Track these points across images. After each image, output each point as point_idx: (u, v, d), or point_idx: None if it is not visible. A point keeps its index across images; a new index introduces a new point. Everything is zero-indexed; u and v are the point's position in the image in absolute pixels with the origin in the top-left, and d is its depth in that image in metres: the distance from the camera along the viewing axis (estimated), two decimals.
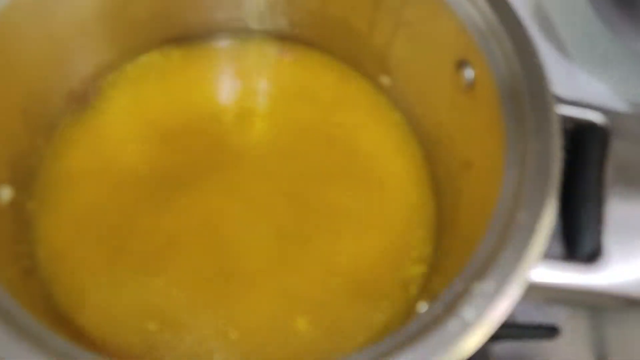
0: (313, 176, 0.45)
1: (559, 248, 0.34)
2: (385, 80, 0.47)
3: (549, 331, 0.41)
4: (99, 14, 0.42)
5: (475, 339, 0.28)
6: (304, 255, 0.42)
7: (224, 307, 0.39)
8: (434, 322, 0.28)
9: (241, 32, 0.49)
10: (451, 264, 0.36)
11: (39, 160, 0.43)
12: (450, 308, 0.28)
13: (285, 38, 0.49)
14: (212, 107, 0.47)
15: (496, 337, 0.40)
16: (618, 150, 0.36)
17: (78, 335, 0.39)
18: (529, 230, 0.30)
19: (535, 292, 0.32)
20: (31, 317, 0.28)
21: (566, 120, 0.36)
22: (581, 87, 0.47)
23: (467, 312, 0.28)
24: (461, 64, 0.39)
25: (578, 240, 0.34)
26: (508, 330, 0.40)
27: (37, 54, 0.40)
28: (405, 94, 0.46)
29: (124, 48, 0.46)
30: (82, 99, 0.46)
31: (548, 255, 0.31)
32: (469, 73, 0.38)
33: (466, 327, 0.28)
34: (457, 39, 0.38)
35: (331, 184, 0.44)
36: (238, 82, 0.48)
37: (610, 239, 0.32)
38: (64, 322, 0.39)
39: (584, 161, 0.35)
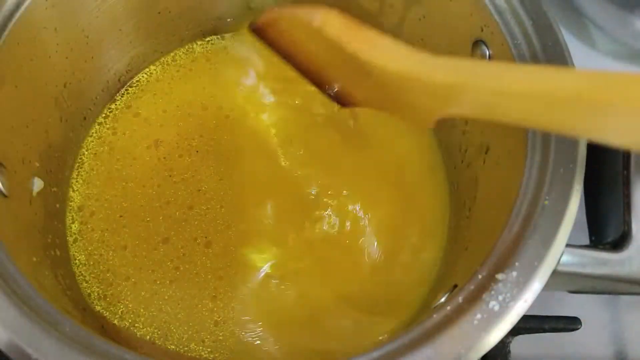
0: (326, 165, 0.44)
1: (583, 235, 0.33)
2: None
3: (571, 322, 0.39)
4: (130, 9, 0.43)
5: (501, 330, 0.26)
6: None
7: None
8: (457, 313, 0.27)
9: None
10: (471, 254, 0.35)
11: (70, 153, 0.43)
12: (474, 298, 0.27)
13: None
14: (231, 100, 0.46)
15: (518, 330, 0.39)
16: None
17: (100, 325, 0.39)
18: (555, 217, 0.28)
19: (560, 281, 0.30)
20: (48, 303, 0.28)
21: None
22: (607, 67, 0.46)
23: (492, 302, 0.27)
24: (477, 44, 0.37)
25: (603, 227, 0.32)
26: (529, 322, 0.39)
27: (71, 47, 0.40)
28: None
29: (157, 42, 0.47)
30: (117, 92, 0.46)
31: (572, 243, 0.29)
32: (485, 52, 0.37)
33: (492, 318, 0.26)
34: (473, 17, 0.37)
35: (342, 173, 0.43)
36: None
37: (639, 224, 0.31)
38: (87, 312, 0.38)
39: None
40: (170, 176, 0.43)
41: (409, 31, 0.43)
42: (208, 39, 0.49)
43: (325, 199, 0.42)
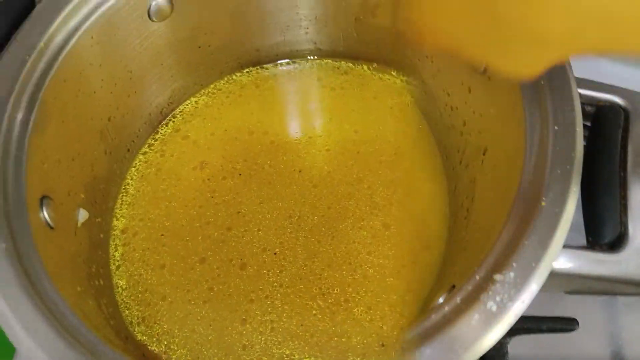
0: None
1: (580, 236, 0.33)
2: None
3: (569, 323, 0.39)
4: (171, 44, 0.44)
5: (499, 330, 0.26)
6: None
7: None
8: (455, 314, 0.27)
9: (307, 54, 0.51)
10: (469, 255, 0.35)
11: (114, 184, 0.44)
12: (472, 299, 0.27)
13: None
14: (277, 126, 0.48)
15: (515, 331, 0.39)
16: None
17: (141, 354, 0.39)
18: (553, 218, 0.29)
19: (557, 282, 0.30)
20: (92, 332, 0.29)
21: (586, 102, 0.35)
22: (601, 68, 0.46)
23: (489, 302, 0.27)
24: None
25: (600, 228, 0.32)
26: (527, 323, 0.39)
27: (115, 82, 0.42)
28: (419, 76, 0.45)
29: (197, 75, 0.48)
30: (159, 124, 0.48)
31: (569, 243, 0.30)
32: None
33: (490, 319, 0.26)
34: None
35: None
36: (302, 102, 0.49)
37: (636, 225, 0.31)
38: (129, 341, 0.39)
39: (605, 144, 0.34)
40: (212, 197, 0.44)
41: None
42: (246, 70, 0.51)
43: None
